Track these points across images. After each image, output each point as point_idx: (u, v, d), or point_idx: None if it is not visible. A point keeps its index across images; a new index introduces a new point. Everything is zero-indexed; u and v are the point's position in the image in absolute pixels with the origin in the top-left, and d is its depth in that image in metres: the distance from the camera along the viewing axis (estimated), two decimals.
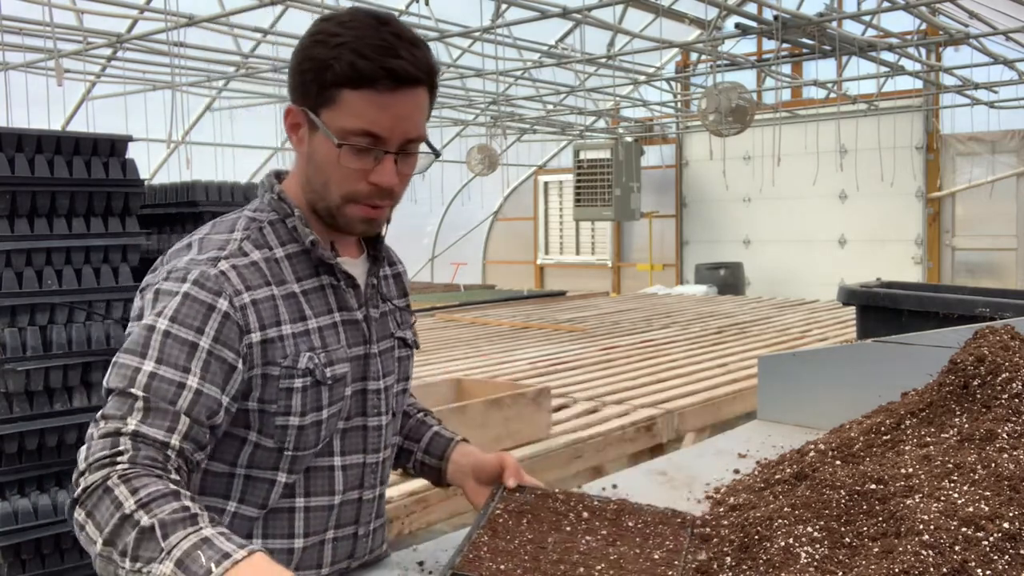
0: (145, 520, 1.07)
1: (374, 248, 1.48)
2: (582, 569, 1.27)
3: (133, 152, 3.33)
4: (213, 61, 8.71)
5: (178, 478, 1.17)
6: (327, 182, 1.32)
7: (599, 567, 1.28)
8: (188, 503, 1.11)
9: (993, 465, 1.40)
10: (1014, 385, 1.63)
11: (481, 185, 13.71)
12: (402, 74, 1.26)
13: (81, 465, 1.16)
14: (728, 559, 1.35)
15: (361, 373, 1.42)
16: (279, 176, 1.43)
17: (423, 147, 1.36)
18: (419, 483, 2.89)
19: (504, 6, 7.19)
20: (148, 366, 1.21)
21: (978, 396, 1.65)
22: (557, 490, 1.55)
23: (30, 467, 3.01)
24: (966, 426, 1.60)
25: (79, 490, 1.14)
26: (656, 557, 1.34)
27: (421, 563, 1.49)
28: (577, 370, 5.20)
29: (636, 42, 9.07)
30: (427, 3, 7.55)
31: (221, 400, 1.25)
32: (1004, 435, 1.52)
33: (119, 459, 1.14)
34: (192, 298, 1.26)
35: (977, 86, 9.35)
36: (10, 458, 2.97)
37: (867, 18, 7.76)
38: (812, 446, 1.78)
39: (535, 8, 6.89)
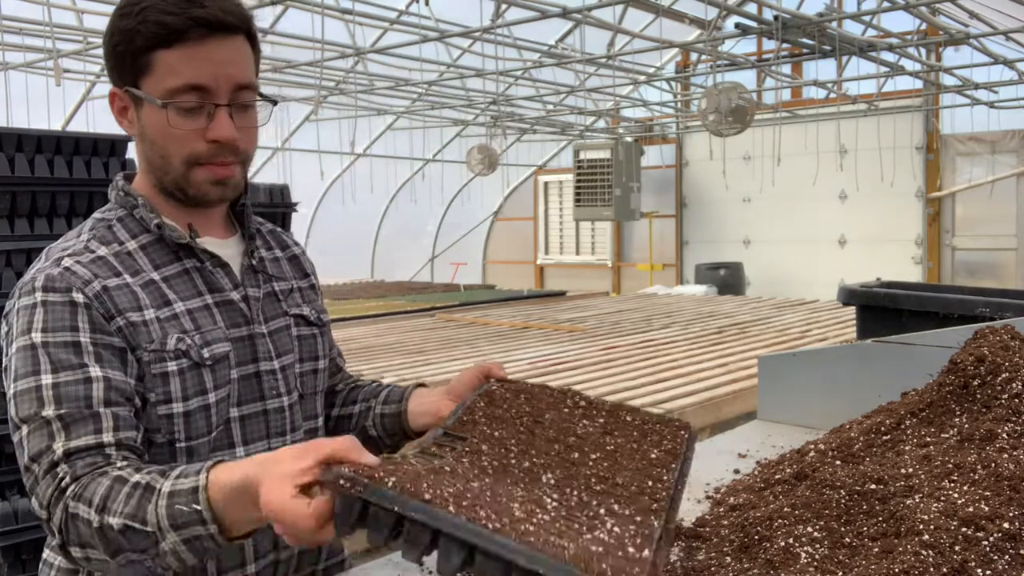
0: (115, 521, 1.09)
1: (244, 225, 1.45)
2: (577, 455, 1.21)
3: (133, 152, 3.32)
4: None
5: (126, 463, 1.17)
6: (166, 152, 1.31)
7: (594, 456, 1.22)
8: (136, 478, 1.12)
9: (993, 465, 1.40)
10: (1014, 385, 1.63)
11: (481, 185, 13.72)
12: (212, 20, 1.25)
13: (42, 514, 1.16)
14: (728, 559, 1.35)
15: (250, 355, 1.38)
16: (128, 178, 1.41)
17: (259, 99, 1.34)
18: None
19: (504, 6, 7.18)
20: (47, 379, 1.19)
21: (978, 396, 1.65)
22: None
23: None
24: (966, 426, 1.59)
25: (58, 535, 1.15)
26: (653, 456, 1.28)
27: (421, 563, 1.48)
28: (577, 370, 5.20)
29: (636, 42, 9.07)
30: (427, 3, 7.55)
31: (129, 382, 1.24)
32: (1004, 435, 1.52)
33: (63, 484, 1.15)
34: (50, 303, 1.24)
35: (977, 86, 9.35)
36: (10, 458, 2.97)
37: (867, 18, 7.75)
38: (812, 446, 1.78)
39: (535, 8, 6.89)
